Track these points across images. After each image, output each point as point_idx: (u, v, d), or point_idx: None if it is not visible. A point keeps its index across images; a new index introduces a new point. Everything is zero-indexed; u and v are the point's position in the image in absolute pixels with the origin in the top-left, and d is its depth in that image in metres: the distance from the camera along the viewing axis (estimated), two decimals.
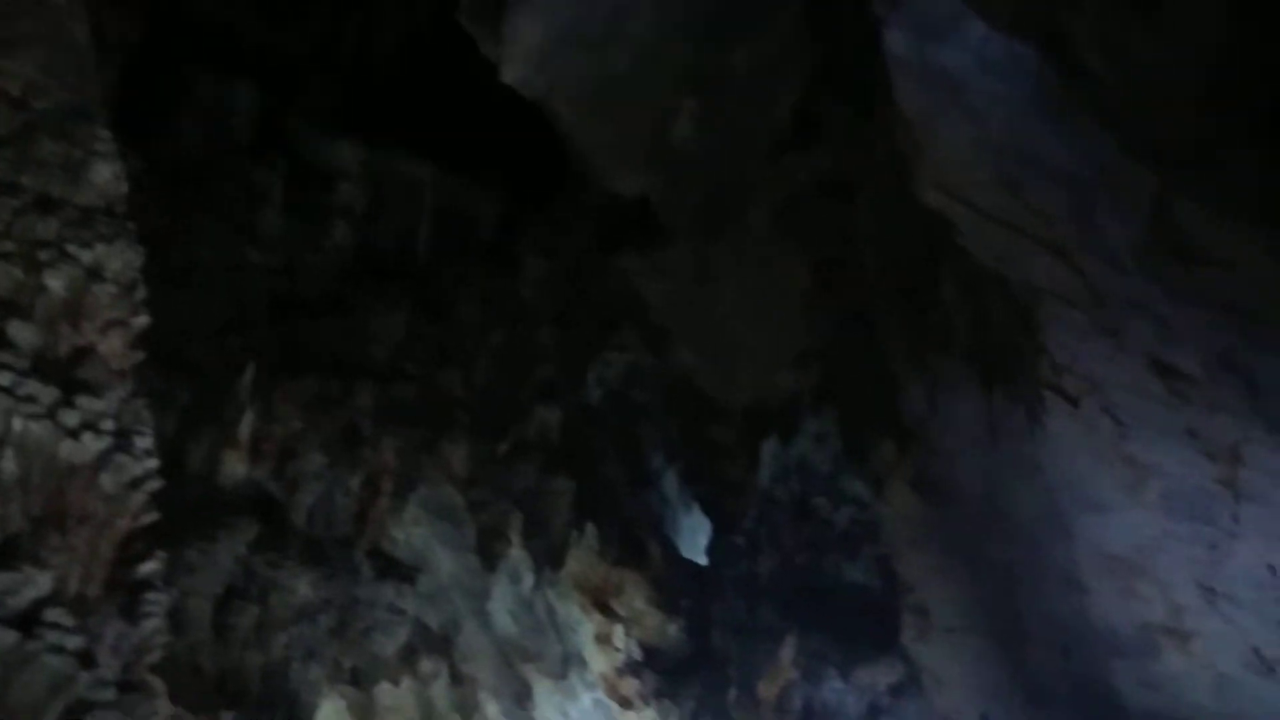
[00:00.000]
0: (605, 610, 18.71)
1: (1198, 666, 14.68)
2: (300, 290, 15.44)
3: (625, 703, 18.64)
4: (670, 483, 22.41)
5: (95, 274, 9.19)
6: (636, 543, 19.46)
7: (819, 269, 16.54)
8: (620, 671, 18.77)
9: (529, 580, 17.26)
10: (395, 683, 15.91)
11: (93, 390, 8.81)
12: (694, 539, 22.54)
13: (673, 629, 19.94)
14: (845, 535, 22.82)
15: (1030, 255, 12.17)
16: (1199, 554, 13.43)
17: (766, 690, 20.77)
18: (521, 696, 17.38)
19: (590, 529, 18.43)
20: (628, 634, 19.28)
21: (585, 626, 18.41)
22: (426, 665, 16.03)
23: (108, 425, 8.91)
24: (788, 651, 21.27)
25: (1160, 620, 14.55)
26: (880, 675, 23.54)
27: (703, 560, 21.79)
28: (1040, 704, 16.42)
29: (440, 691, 16.11)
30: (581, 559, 18.30)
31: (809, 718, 23.63)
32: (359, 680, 15.56)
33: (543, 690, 17.55)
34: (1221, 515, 12.93)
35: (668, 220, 16.65)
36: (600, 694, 18.42)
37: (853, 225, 14.97)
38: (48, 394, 8.15)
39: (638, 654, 19.28)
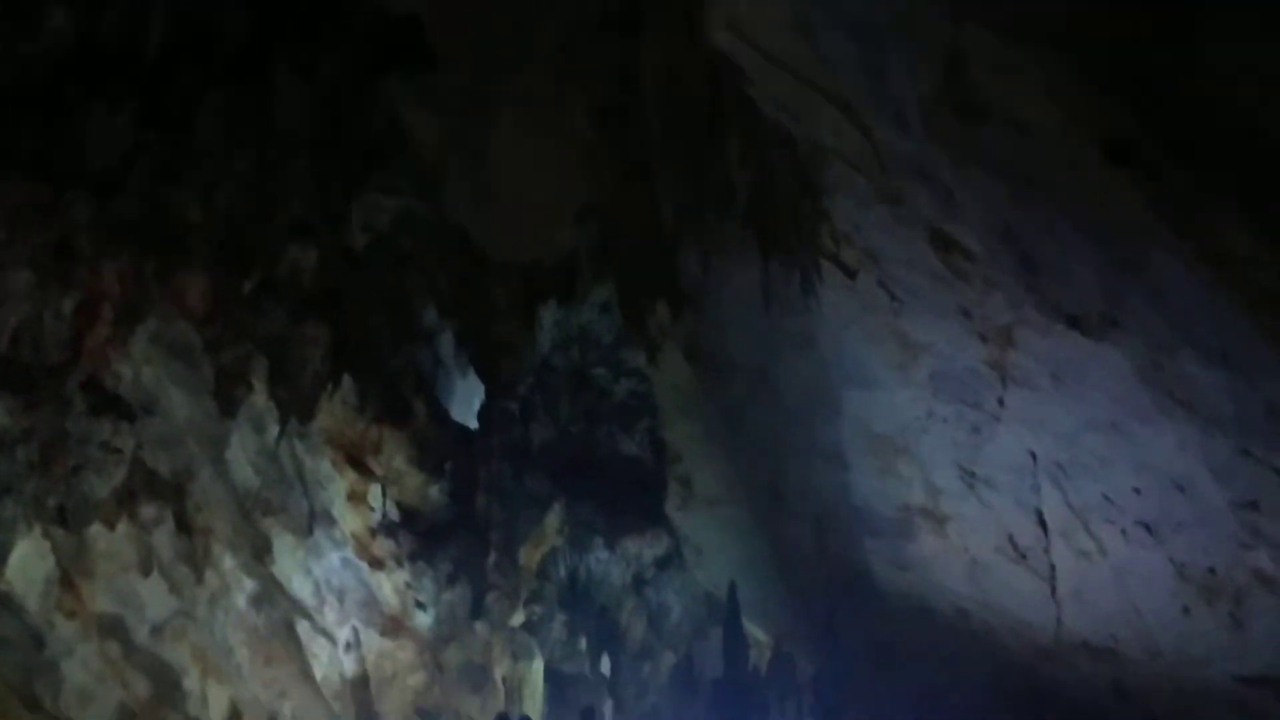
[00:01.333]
0: (360, 468, 17.36)
1: (952, 550, 14.47)
2: (6, 82, 13.13)
3: (376, 563, 17.44)
4: (446, 344, 21.04)
5: None
6: (400, 400, 18.03)
7: (601, 115, 15.20)
8: (374, 531, 17.53)
9: (273, 431, 15.68)
10: (110, 526, 14.29)
11: None
12: (468, 403, 21.36)
13: (434, 491, 18.74)
14: (622, 407, 21.88)
15: (818, 110, 11.08)
16: (962, 436, 13.01)
17: (528, 557, 19.96)
18: (261, 551, 15.97)
19: (348, 382, 16.83)
20: (385, 494, 18.03)
21: (337, 483, 17.00)
22: (149, 511, 14.42)
23: None
24: (553, 519, 20.51)
25: (918, 502, 14.22)
26: (646, 547, 23.14)
27: (473, 425, 20.62)
28: (793, 578, 16.08)
29: (164, 540, 14.58)
30: (336, 413, 16.83)
31: (573, 586, 23.15)
32: (66, 521, 13.91)
33: (284, 546, 16.15)
34: (988, 399, 12.46)
35: (441, 44, 14.95)
36: (349, 553, 17.14)
37: (637, 68, 13.63)
38: None
39: (395, 515, 18.10)
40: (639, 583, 22.08)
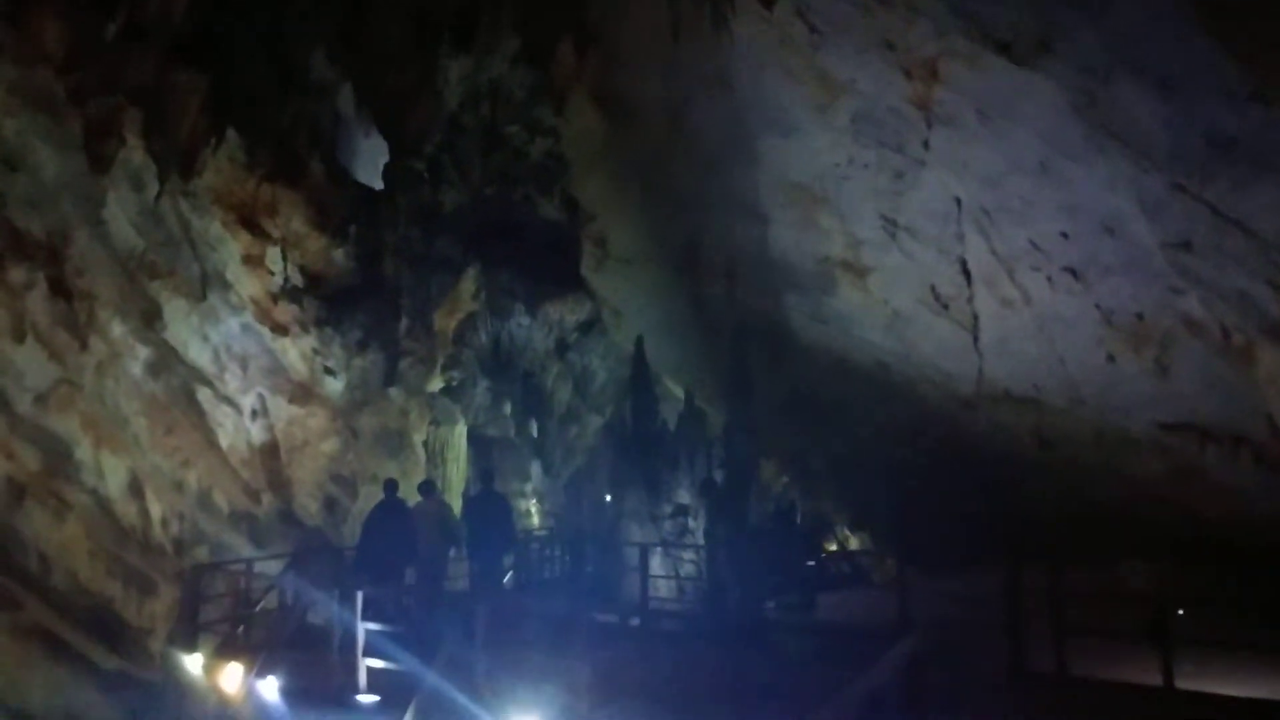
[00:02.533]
0: (255, 229, 16.27)
1: (873, 302, 13.96)
2: None
3: (280, 329, 16.61)
4: (346, 99, 19.56)
5: None
6: (293, 157, 16.77)
7: None
8: (275, 296, 16.62)
9: (154, 189, 14.47)
10: None
11: None
12: (374, 164, 20.09)
13: (339, 254, 17.78)
14: (539, 168, 20.76)
15: None
16: (884, 183, 12.27)
17: (443, 322, 19.28)
18: (151, 316, 15.02)
19: (232, 136, 15.51)
20: (286, 257, 17.03)
21: (229, 245, 15.92)
22: (18, 275, 13.28)
23: None
24: (468, 284, 19.71)
25: (839, 254, 13.61)
26: (567, 311, 22.54)
27: (378, 186, 19.43)
28: (711, 335, 15.56)
29: (38, 304, 13.53)
30: (223, 170, 15.57)
31: (495, 352, 22.65)
32: None
33: (176, 311, 15.18)
34: (911, 141, 11.64)
35: None
36: (249, 318, 16.26)
37: None
38: None
39: (298, 279, 17.15)
40: (562, 347, 21.52)
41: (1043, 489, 13.95)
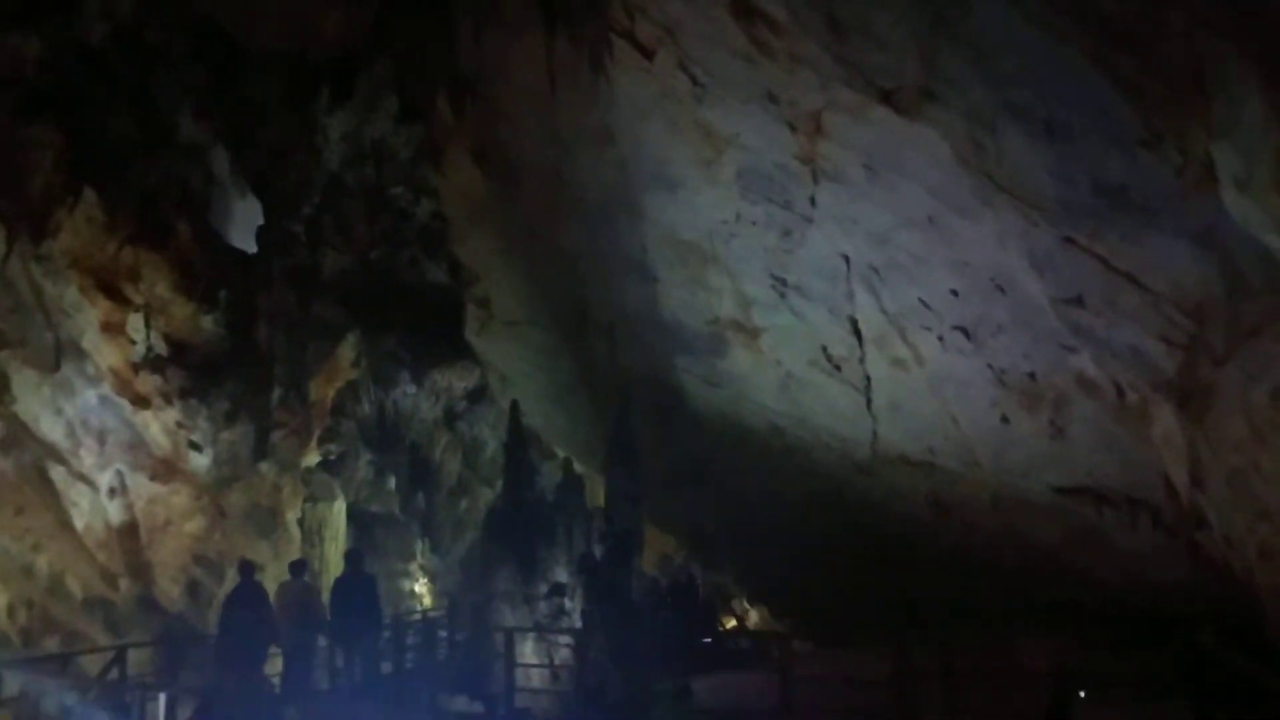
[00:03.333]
0: (115, 295, 15.32)
1: (765, 363, 13.60)
2: None
3: (141, 401, 15.58)
4: (220, 159, 18.81)
5: None
6: (158, 218, 15.93)
7: None
8: (136, 366, 15.63)
9: (1, 250, 13.54)
10: None
11: None
12: (249, 225, 19.26)
13: (207, 321, 16.88)
14: (425, 230, 20.04)
15: None
16: (772, 240, 11.94)
17: (320, 392, 18.39)
18: (0, 389, 13.97)
19: (90, 195, 14.66)
20: (149, 324, 16.08)
21: (87, 312, 14.96)
22: None
23: None
24: (347, 351, 18.89)
25: (729, 314, 13.23)
26: (455, 378, 21.78)
27: (251, 247, 18.61)
28: (599, 401, 15.00)
29: None
30: (80, 232, 14.68)
31: (380, 423, 21.77)
32: None
33: (25, 382, 14.14)
34: (798, 197, 11.35)
35: None
36: (108, 390, 15.23)
37: None
38: None
39: (162, 347, 16.19)
40: (450, 417, 20.67)
41: (940, 556, 13.61)
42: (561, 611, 10.92)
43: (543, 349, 15.84)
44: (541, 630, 10.71)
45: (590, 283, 13.99)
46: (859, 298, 11.91)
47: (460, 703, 9.39)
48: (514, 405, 13.52)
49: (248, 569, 10.92)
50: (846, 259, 11.59)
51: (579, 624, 10.47)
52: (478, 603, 10.87)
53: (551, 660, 9.30)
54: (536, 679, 10.42)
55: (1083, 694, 7.69)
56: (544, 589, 11.15)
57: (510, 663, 9.33)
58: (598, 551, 11.48)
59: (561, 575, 11.41)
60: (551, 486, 13.57)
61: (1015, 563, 12.81)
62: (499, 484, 20.05)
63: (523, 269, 14.87)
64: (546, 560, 11.40)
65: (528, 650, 10.57)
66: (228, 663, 9.97)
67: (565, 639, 10.27)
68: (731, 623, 22.34)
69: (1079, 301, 9.24)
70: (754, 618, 22.77)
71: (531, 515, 11.93)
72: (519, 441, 12.85)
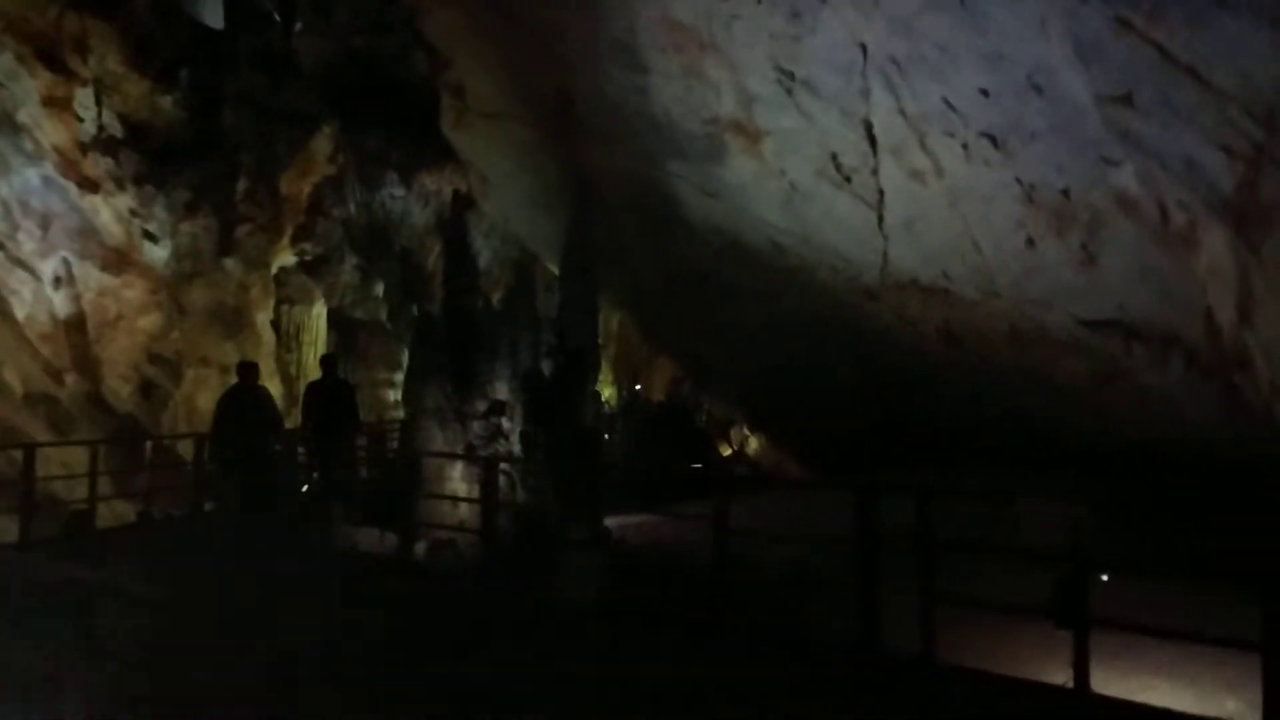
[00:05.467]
0: (58, 67, 14.11)
1: (768, 173, 12.36)
2: None
3: (89, 184, 14.60)
4: None
5: None
6: None
7: None
8: (84, 146, 14.53)
9: None
10: None
11: None
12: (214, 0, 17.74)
13: (166, 102, 15.68)
14: (415, 15, 18.48)
15: None
16: (779, 24, 10.55)
17: (293, 187, 17.25)
18: None
19: None
20: (100, 102, 14.88)
21: (24, 83, 13.82)
22: None
23: None
24: (323, 143, 17.63)
25: (729, 113, 11.93)
26: (446, 182, 20.57)
27: (216, 23, 17.18)
28: (593, 205, 13.81)
29: None
30: None
31: (367, 226, 20.75)
32: None
33: None
34: None
35: None
36: (51, 170, 14.21)
37: None
38: None
39: (116, 128, 15.02)
40: (441, 224, 19.53)
41: (949, 390, 12.64)
42: (499, 433, 10.00)
43: (526, 147, 14.59)
44: (471, 454, 9.77)
45: (573, 70, 12.62)
46: (875, 96, 10.61)
47: (364, 536, 8.55)
48: (455, 195, 12.32)
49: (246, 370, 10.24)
50: (864, 49, 10.24)
51: (516, 448, 9.60)
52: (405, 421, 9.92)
53: (489, 489, 8.42)
54: (467, 512, 9.47)
55: (1105, 577, 6.53)
56: (481, 407, 10.18)
57: (413, 491, 8.40)
58: (546, 368, 10.48)
59: (503, 393, 10.43)
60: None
61: (1031, 402, 11.88)
62: (497, 295, 19.12)
63: (498, 51, 13.49)
64: (486, 375, 10.40)
65: (455, 476, 9.66)
66: (227, 466, 9.48)
67: (503, 467, 9.35)
68: (728, 450, 21.69)
69: (1128, 100, 7.94)
70: (754, 445, 22.10)
71: (471, 324, 10.88)
72: (459, 233, 11.68)
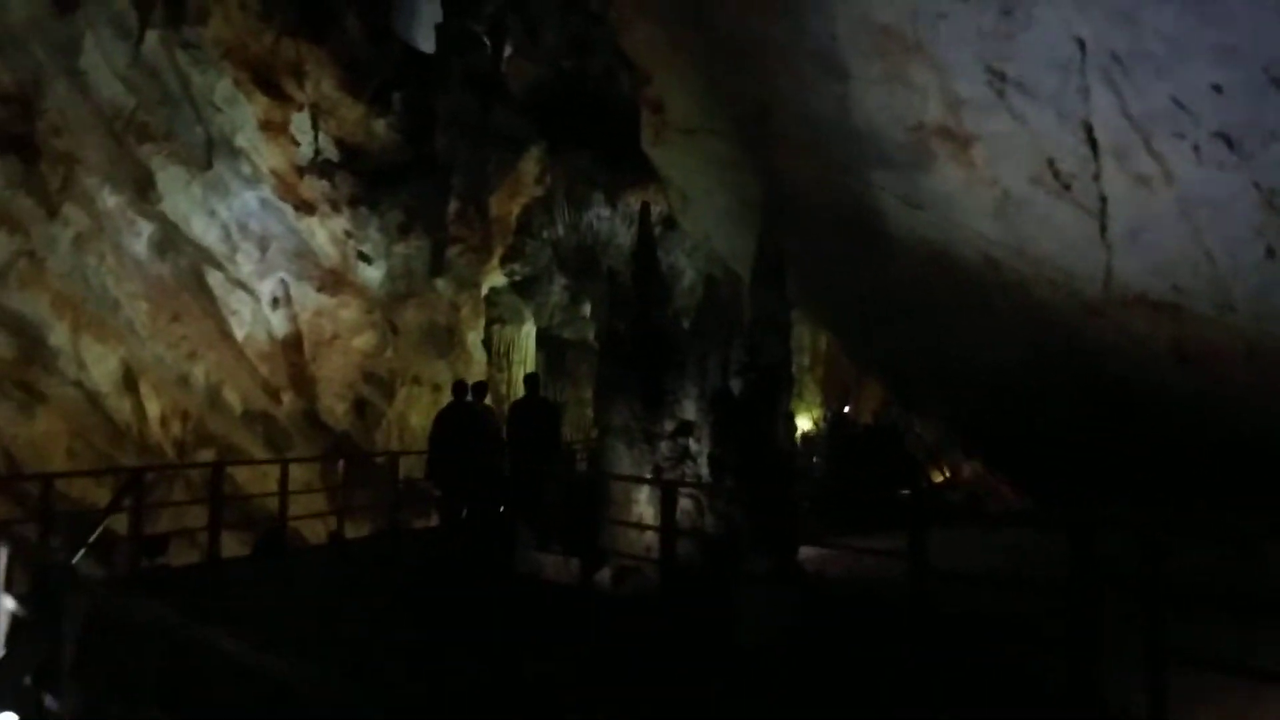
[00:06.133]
0: (274, 91, 14.82)
1: (978, 181, 11.78)
2: None
3: (306, 207, 15.29)
4: None
5: None
6: (322, 8, 15.27)
7: None
8: (301, 169, 15.22)
9: (147, 38, 13.13)
10: None
11: None
12: (427, 22, 18.37)
13: (380, 125, 16.28)
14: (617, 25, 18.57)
15: None
16: (989, 23, 10.07)
17: (503, 208, 17.62)
18: (144, 186, 13.77)
19: None
20: (317, 126, 15.58)
21: (243, 108, 14.57)
22: None
23: None
24: (530, 165, 17.93)
25: (935, 119, 11.43)
26: (652, 202, 20.57)
27: (428, 46, 17.75)
28: (792, 220, 13.45)
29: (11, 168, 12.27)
30: (232, 19, 14.16)
31: (578, 245, 20.99)
32: None
33: (172, 180, 13.93)
34: None
35: None
36: (269, 193, 14.92)
37: None
38: None
39: (331, 151, 15.69)
40: (645, 240, 19.59)
41: (1180, 417, 11.66)
42: (687, 454, 9.73)
43: (724, 162, 14.37)
44: (658, 475, 9.50)
45: (771, 80, 12.33)
46: (1095, 96, 9.94)
47: (549, 561, 8.39)
48: (644, 207, 12.17)
49: (462, 389, 10.49)
50: (1081, 45, 9.63)
51: (704, 470, 9.30)
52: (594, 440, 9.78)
53: (668, 514, 8.12)
54: (654, 538, 9.21)
55: None
56: (669, 427, 9.94)
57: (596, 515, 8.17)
58: (735, 387, 10.16)
59: (691, 412, 10.16)
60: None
61: (1272, 425, 10.79)
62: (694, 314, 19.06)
63: (696, 66, 13.34)
64: (676, 394, 10.16)
65: (643, 500, 9.45)
66: (445, 485, 9.71)
67: (690, 491, 9.06)
68: (939, 477, 20.82)
69: None
70: (967, 472, 21.15)
71: (661, 340, 10.67)
72: (648, 247, 11.51)
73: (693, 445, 9.65)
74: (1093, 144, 10.38)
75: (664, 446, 9.69)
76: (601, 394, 10.06)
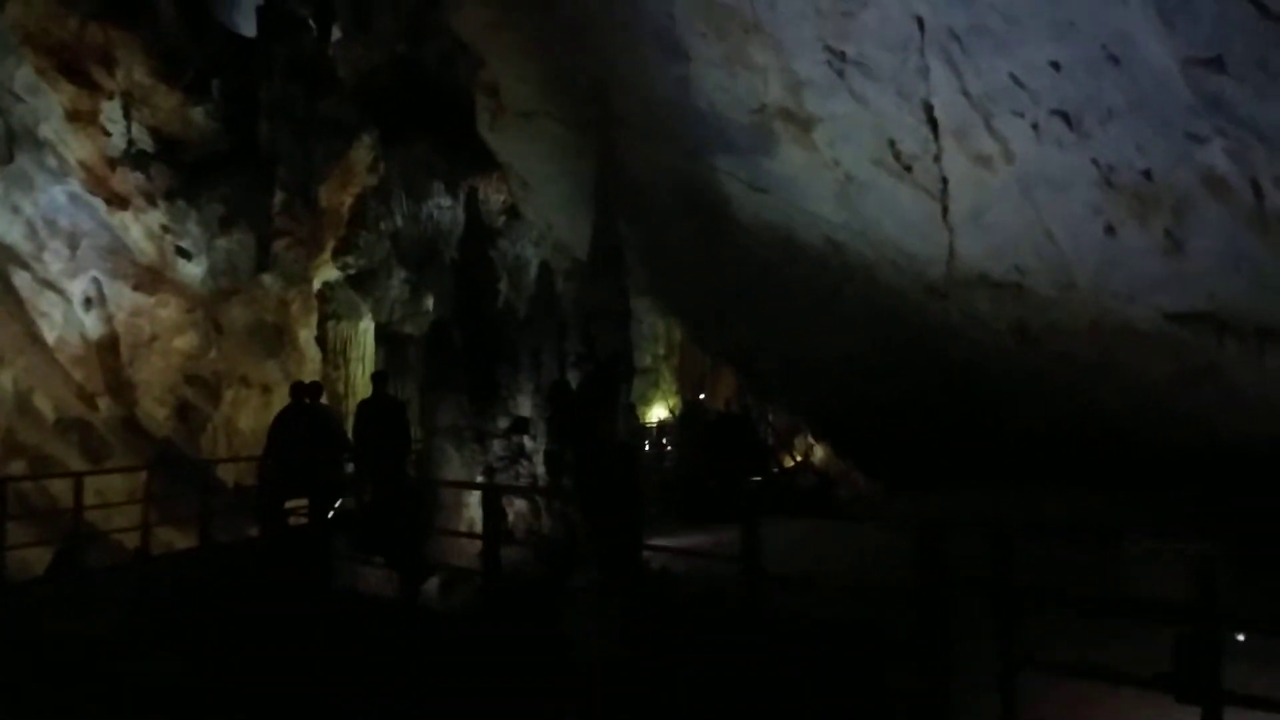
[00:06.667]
0: (81, 79, 13.78)
1: (821, 163, 11.63)
2: None
3: (119, 201, 14.26)
4: None
5: None
6: None
7: None
8: (113, 161, 14.20)
9: None
10: None
11: None
12: (248, 5, 17.37)
13: (199, 114, 15.32)
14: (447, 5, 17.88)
15: None
16: (827, 1, 9.78)
17: (333, 199, 16.82)
18: None
19: None
20: (128, 116, 14.55)
21: (47, 97, 13.49)
22: None
23: None
24: (362, 154, 17.17)
25: (777, 100, 11.23)
26: (493, 191, 20.03)
27: (249, 31, 16.81)
28: (637, 207, 13.11)
29: None
30: (34, 3, 13.08)
31: (416, 239, 20.26)
32: None
33: None
34: None
35: None
36: (77, 187, 13.86)
37: None
38: None
39: (146, 142, 14.69)
40: (490, 234, 19.03)
41: (1026, 398, 11.74)
42: (521, 453, 9.26)
43: (564, 147, 13.97)
44: (492, 476, 8.99)
45: (609, 61, 11.95)
46: (935, 75, 9.90)
47: (370, 574, 7.83)
48: (471, 192, 11.69)
49: (300, 390, 9.56)
50: (920, 22, 9.56)
51: (540, 469, 8.83)
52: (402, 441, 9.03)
53: (504, 517, 7.61)
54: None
55: (1241, 637, 5.10)
56: (502, 424, 9.44)
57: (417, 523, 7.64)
58: (572, 379, 9.73)
59: (525, 408, 9.67)
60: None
61: (1115, 403, 10.96)
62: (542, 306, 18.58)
63: (531, 46, 12.86)
64: (508, 389, 9.66)
65: (474, 503, 8.91)
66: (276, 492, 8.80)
67: (521, 492, 8.58)
68: (790, 462, 20.83)
69: (1218, 64, 7.19)
70: (819, 455, 21.22)
71: (492, 333, 10.15)
72: (476, 235, 11.00)
73: (528, 443, 9.17)
74: (933, 124, 10.32)
75: (496, 445, 9.16)
76: (427, 391, 9.34)
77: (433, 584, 8.10)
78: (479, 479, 8.86)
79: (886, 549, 5.65)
